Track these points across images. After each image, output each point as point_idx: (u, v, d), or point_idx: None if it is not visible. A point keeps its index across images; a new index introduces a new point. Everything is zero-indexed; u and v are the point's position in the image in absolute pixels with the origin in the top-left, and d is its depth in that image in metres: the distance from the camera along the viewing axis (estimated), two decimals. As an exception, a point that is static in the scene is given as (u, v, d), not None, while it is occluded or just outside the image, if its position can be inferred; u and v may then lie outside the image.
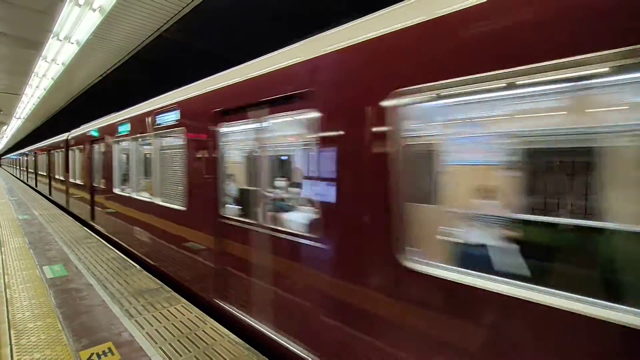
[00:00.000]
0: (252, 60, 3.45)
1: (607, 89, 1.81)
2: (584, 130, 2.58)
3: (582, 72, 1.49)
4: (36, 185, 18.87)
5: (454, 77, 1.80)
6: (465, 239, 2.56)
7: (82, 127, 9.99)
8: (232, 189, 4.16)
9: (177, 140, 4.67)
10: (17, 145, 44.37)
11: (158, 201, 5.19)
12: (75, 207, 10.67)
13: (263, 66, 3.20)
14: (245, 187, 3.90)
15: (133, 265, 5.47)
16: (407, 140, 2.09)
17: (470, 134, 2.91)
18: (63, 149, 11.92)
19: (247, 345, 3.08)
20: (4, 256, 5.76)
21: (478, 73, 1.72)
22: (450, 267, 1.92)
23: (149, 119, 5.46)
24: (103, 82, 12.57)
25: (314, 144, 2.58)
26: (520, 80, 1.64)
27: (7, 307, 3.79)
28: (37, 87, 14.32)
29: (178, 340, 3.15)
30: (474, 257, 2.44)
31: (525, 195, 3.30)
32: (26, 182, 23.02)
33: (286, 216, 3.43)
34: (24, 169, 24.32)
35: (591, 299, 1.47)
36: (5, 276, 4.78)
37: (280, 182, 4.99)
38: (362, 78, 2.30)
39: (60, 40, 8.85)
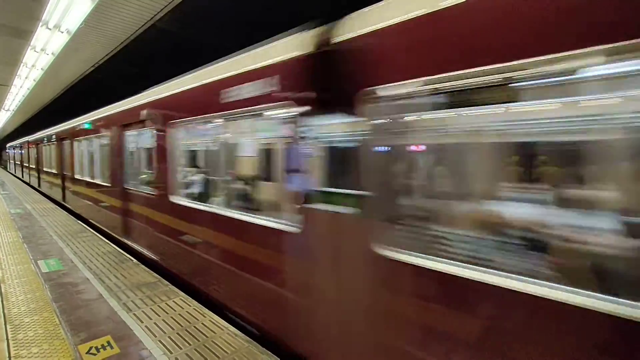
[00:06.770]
0: None
1: None
2: None
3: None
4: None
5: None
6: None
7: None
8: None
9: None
10: (7, 137, 43.36)
11: None
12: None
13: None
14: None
15: (130, 258, 5.44)
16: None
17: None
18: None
19: (247, 338, 3.09)
20: (-3, 250, 5.68)
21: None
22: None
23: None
24: (94, 73, 12.28)
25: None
26: None
27: (2, 301, 3.74)
28: (26, 77, 13.94)
29: (177, 333, 3.15)
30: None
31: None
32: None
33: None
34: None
35: None
36: (0, 270, 4.72)
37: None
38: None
39: (50, 29, 8.57)
